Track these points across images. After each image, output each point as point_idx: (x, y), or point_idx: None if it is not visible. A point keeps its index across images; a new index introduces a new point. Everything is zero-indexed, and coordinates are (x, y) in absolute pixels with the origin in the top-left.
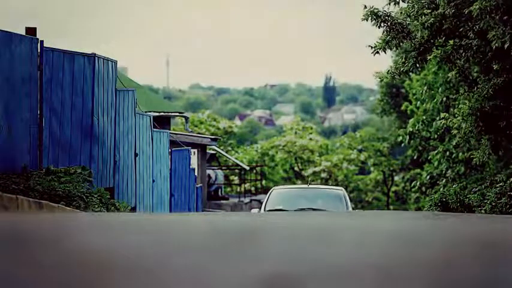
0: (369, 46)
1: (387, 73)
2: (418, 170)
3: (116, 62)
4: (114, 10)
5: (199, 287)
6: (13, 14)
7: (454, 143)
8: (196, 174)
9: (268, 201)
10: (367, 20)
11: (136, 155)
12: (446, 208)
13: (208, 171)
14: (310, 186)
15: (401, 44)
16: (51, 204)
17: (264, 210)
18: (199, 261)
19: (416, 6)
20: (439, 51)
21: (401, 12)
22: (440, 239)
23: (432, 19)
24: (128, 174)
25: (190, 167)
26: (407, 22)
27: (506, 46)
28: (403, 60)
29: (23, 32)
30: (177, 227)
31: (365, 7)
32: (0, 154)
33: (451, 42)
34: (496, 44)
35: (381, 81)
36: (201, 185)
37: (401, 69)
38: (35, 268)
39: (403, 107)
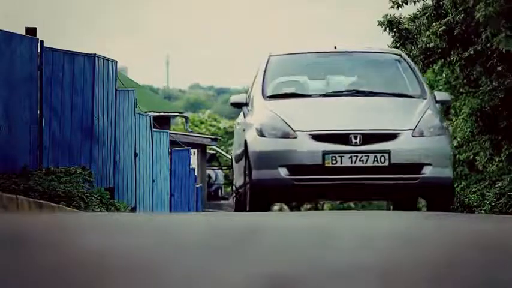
0: None
1: None
2: None
3: (116, 62)
4: (114, 10)
5: (199, 287)
6: (13, 14)
7: (455, 144)
8: (196, 174)
9: (267, 79)
10: (381, 26)
11: (136, 155)
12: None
13: (208, 171)
14: (339, 49)
15: (406, 48)
16: (51, 204)
17: (263, 96)
18: (199, 261)
19: (424, 17)
20: (455, 57)
21: (409, 19)
22: (440, 239)
23: (443, 27)
24: (128, 174)
25: (190, 167)
26: (413, 26)
27: None
28: None
29: (23, 32)
30: (177, 227)
31: (386, 16)
32: (0, 154)
33: (466, 51)
34: (503, 50)
35: None
36: (201, 185)
37: None
38: (34, 268)
39: None
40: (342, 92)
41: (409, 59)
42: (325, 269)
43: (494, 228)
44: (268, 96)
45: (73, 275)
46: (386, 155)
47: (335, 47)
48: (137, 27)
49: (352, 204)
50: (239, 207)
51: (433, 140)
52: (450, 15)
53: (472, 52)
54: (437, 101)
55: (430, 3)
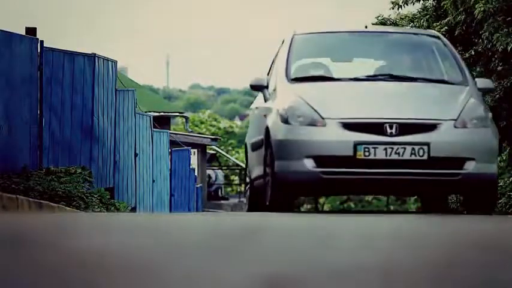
0: None
1: None
2: None
3: (116, 62)
4: (114, 10)
5: (199, 287)
6: (13, 14)
7: None
8: (196, 174)
9: (291, 60)
10: None
11: (136, 155)
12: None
13: (208, 171)
14: (370, 29)
15: None
16: (51, 204)
17: (287, 79)
18: (199, 261)
19: (424, 19)
20: None
21: (408, 19)
22: (440, 239)
23: (445, 28)
24: (128, 174)
25: (190, 167)
26: (412, 27)
27: (510, 48)
28: None
29: (23, 32)
30: (177, 227)
31: (378, 17)
32: (0, 154)
33: (467, 51)
34: (501, 46)
35: None
36: (201, 185)
37: None
38: (34, 268)
39: None
40: (375, 76)
41: (447, 42)
42: (325, 269)
43: (494, 228)
44: (292, 79)
45: (73, 275)
46: (425, 148)
47: (366, 27)
48: (137, 27)
49: (352, 205)
50: (255, 200)
51: (477, 132)
52: (450, 15)
53: (472, 53)
54: (478, 89)
55: (430, 3)
